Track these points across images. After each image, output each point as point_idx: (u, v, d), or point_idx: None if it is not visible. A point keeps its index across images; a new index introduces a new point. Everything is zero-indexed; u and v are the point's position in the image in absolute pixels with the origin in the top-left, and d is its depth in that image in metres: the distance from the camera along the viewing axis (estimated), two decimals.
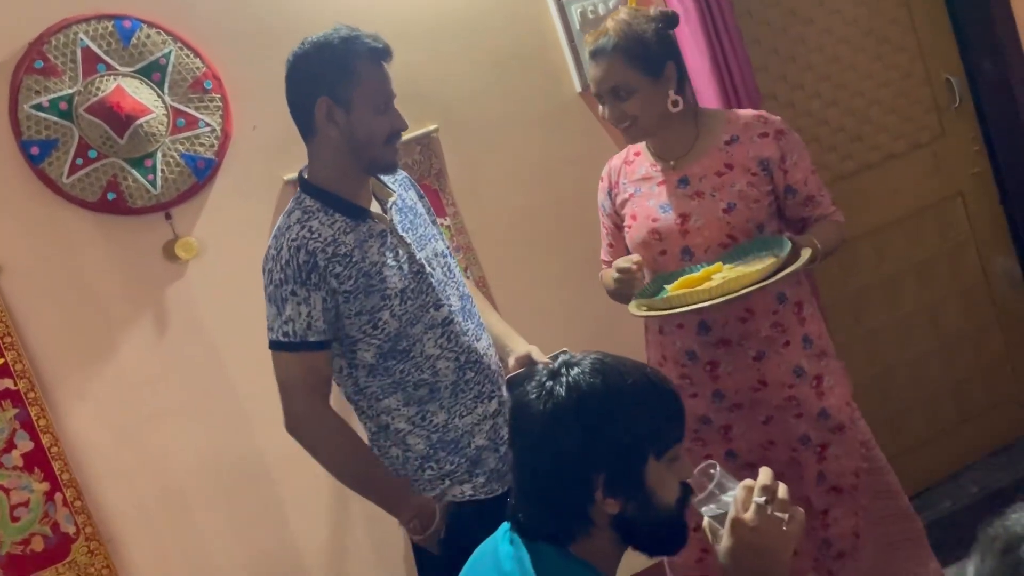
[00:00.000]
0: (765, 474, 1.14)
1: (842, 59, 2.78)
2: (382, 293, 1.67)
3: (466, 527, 1.67)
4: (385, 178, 1.82)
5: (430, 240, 1.81)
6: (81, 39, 2.15)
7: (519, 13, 2.48)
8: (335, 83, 1.66)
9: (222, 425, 2.32)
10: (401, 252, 1.72)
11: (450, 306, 1.76)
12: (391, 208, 1.76)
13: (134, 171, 2.20)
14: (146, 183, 2.21)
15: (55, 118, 2.14)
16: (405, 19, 2.40)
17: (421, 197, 1.92)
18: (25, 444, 2.15)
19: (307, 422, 1.70)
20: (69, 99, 2.15)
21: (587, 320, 2.46)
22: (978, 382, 2.94)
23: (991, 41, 2.81)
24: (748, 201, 1.86)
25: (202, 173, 2.26)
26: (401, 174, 1.89)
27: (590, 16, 2.45)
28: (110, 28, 2.17)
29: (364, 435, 1.83)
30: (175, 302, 2.27)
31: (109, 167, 2.18)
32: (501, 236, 2.48)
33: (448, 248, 1.88)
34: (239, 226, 2.30)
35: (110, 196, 2.19)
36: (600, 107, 1.92)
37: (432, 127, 2.42)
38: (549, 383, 1.13)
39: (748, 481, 1.13)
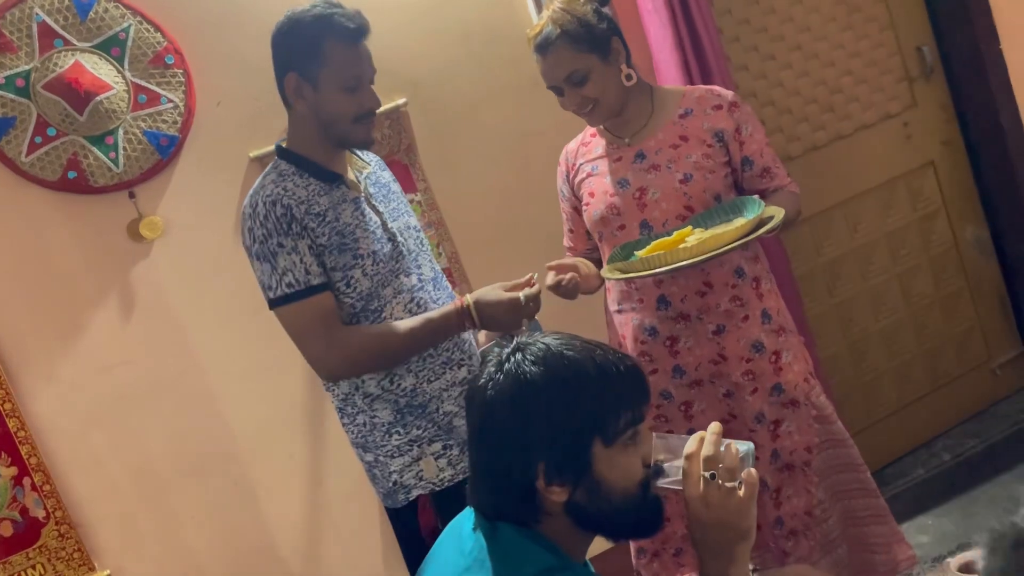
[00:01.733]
0: (709, 441, 1.11)
1: (813, 29, 2.76)
2: (354, 252, 1.70)
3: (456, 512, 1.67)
4: (360, 153, 1.85)
5: (402, 215, 1.85)
6: (37, 14, 2.09)
7: None
8: (303, 60, 1.69)
9: (191, 406, 2.29)
10: (374, 218, 1.76)
11: (420, 275, 1.80)
12: (365, 179, 1.80)
13: (95, 149, 2.15)
14: (108, 161, 2.17)
15: (11, 95, 2.09)
16: None
17: (393, 181, 1.94)
18: None
19: (336, 354, 1.68)
20: (26, 76, 2.09)
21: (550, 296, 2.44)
22: (950, 350, 2.97)
23: (962, 10, 2.80)
24: (704, 172, 1.86)
25: (165, 150, 2.22)
26: (374, 158, 1.91)
27: None
28: (67, 2, 2.11)
29: (333, 402, 1.83)
30: (141, 282, 2.24)
31: (69, 145, 2.14)
32: (472, 211, 2.46)
33: (419, 223, 1.91)
34: (205, 204, 2.27)
35: (71, 175, 2.15)
36: (559, 99, 1.91)
37: (401, 101, 2.39)
38: (494, 369, 1.12)
39: (692, 444, 1.11)
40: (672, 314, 1.91)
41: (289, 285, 1.66)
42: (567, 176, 2.03)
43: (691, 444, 1.11)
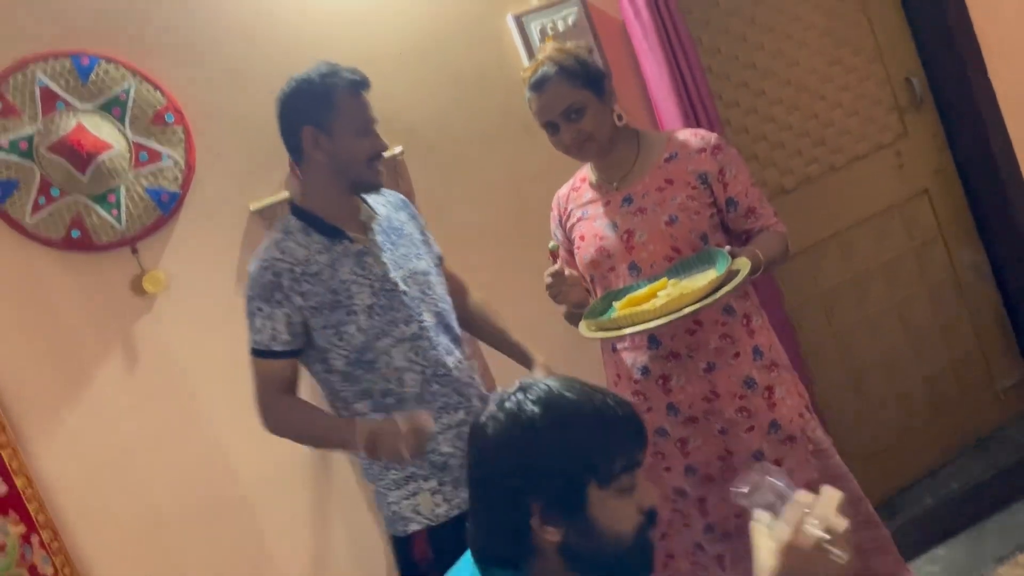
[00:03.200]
0: (833, 504, 1.07)
1: (802, 63, 2.81)
2: (348, 308, 1.81)
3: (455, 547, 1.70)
4: (378, 200, 1.97)
5: (412, 259, 1.93)
6: (39, 78, 2.14)
7: (479, 33, 2.50)
8: (318, 113, 1.84)
9: (197, 456, 2.31)
10: (376, 270, 1.85)
11: (421, 322, 1.87)
12: (373, 229, 1.90)
13: (98, 207, 2.19)
14: (111, 219, 2.21)
15: (16, 158, 2.14)
16: (368, 45, 2.41)
17: (413, 217, 2.03)
18: None
19: (265, 413, 1.89)
20: (29, 139, 2.14)
21: (554, 335, 2.44)
22: (950, 376, 2.97)
23: (948, 39, 2.85)
24: (689, 213, 1.89)
25: (167, 206, 2.26)
26: (397, 196, 2.04)
27: (549, 32, 2.47)
28: (68, 66, 2.16)
29: None
30: (145, 336, 2.26)
31: (72, 204, 2.18)
32: (469, 253, 2.47)
33: (433, 266, 1.99)
34: (207, 257, 2.30)
35: (75, 233, 2.19)
36: (552, 138, 1.95)
37: (397, 150, 2.43)
38: (495, 407, 1.14)
39: (802, 500, 1.08)
40: (663, 353, 1.93)
41: (256, 343, 1.83)
42: (559, 220, 2.07)
43: (807, 497, 1.09)
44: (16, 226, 2.15)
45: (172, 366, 2.29)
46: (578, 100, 1.88)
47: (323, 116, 1.82)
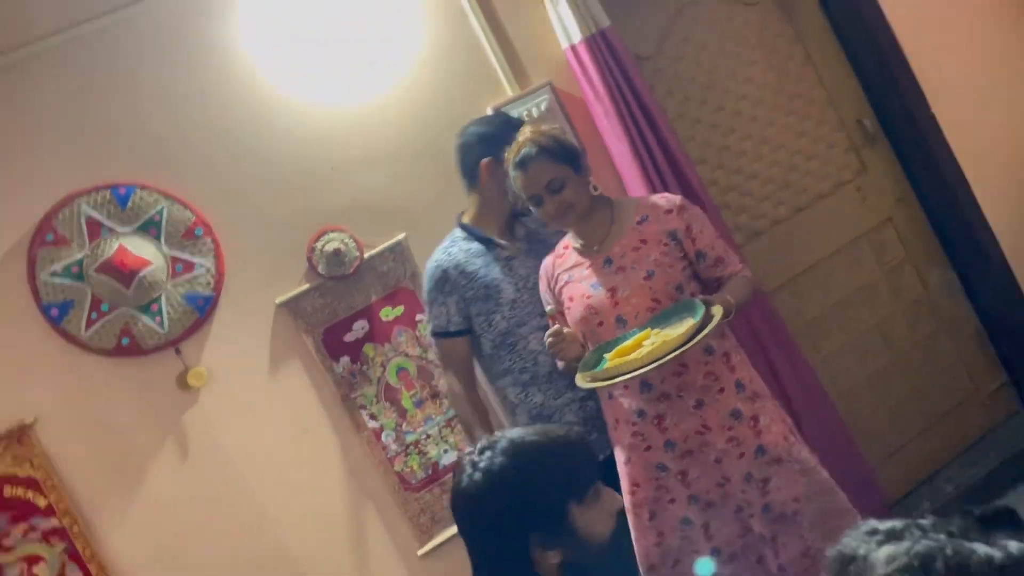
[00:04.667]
0: None
1: (760, 118, 3.08)
2: (496, 300, 2.35)
3: None
4: (525, 216, 2.45)
5: None
6: (84, 210, 2.45)
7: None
8: (497, 149, 2.31)
9: (247, 532, 2.55)
10: (520, 272, 2.37)
11: None
12: (522, 239, 2.43)
13: (143, 316, 2.48)
14: (155, 325, 2.49)
15: (69, 281, 2.43)
16: (368, 148, 2.70)
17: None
18: (75, 574, 2.38)
19: (446, 387, 2.51)
20: (79, 263, 2.44)
21: None
22: (937, 388, 3.17)
23: (891, 81, 3.12)
24: (664, 268, 2.14)
25: (203, 309, 2.54)
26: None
27: (526, 119, 2.76)
28: (108, 196, 2.47)
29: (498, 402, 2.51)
30: (193, 426, 2.53)
31: (121, 316, 2.46)
32: None
33: None
34: (242, 350, 2.58)
35: (124, 341, 2.47)
36: (535, 209, 2.21)
37: (401, 236, 2.71)
38: (470, 471, 1.35)
39: None
40: (655, 395, 2.15)
41: (435, 327, 2.41)
42: (549, 285, 2.30)
43: None
44: (74, 340, 2.44)
45: (219, 451, 2.55)
46: (559, 174, 2.15)
47: (500, 151, 2.26)
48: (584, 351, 2.21)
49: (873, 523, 0.93)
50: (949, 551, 0.85)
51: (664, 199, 2.24)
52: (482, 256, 2.38)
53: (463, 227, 2.44)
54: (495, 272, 2.36)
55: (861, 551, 0.90)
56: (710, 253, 2.19)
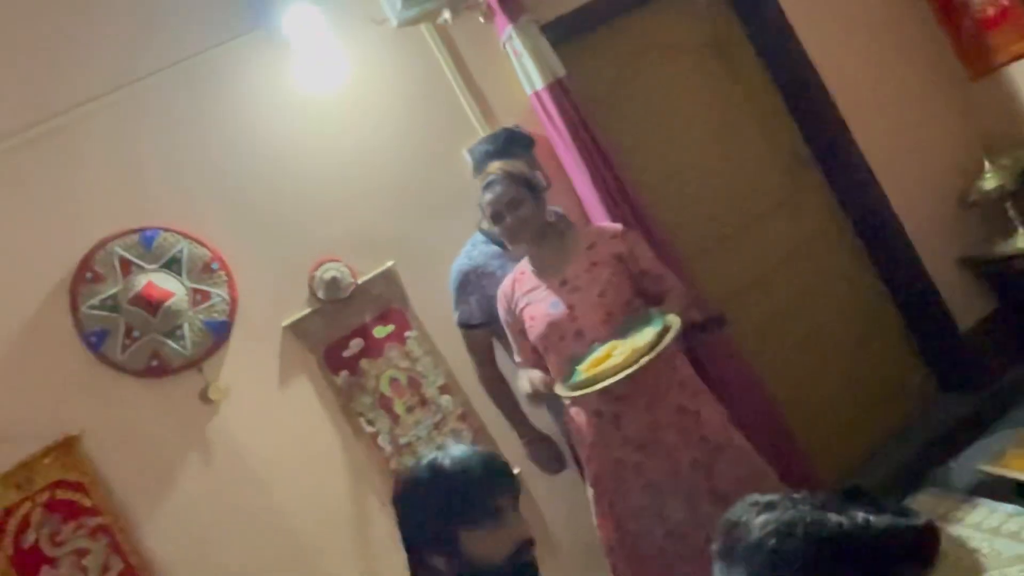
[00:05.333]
0: None
1: (706, 149, 3.47)
2: None
3: None
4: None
5: None
6: (117, 251, 2.84)
7: (442, 163, 3.17)
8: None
9: (266, 527, 2.91)
10: None
11: None
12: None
13: (169, 341, 2.87)
14: (179, 348, 2.88)
15: (106, 312, 2.82)
16: (359, 184, 3.09)
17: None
18: (117, 565, 2.76)
19: (479, 371, 2.91)
20: (114, 296, 2.83)
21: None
22: (869, 378, 3.55)
23: (817, 114, 3.53)
24: (614, 286, 2.45)
25: (220, 332, 2.93)
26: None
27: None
28: (136, 239, 2.86)
29: None
30: (215, 435, 2.90)
31: (150, 341, 2.85)
32: (456, 337, 3.10)
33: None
34: (255, 367, 2.96)
35: (153, 363, 2.86)
36: (497, 228, 2.53)
37: (390, 263, 3.10)
38: (401, 476, 1.65)
39: None
40: (611, 397, 2.38)
41: (459, 320, 2.82)
42: (509, 308, 2.60)
43: None
44: (111, 363, 2.82)
45: (238, 456, 2.92)
46: (518, 195, 2.46)
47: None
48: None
49: (755, 496, 1.14)
50: (809, 519, 1.05)
51: (609, 227, 2.60)
52: (499, 257, 2.71)
53: (483, 232, 2.80)
54: (510, 270, 2.63)
55: (744, 518, 1.10)
56: (651, 271, 2.51)
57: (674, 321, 2.30)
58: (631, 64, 3.42)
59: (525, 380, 2.54)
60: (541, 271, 2.57)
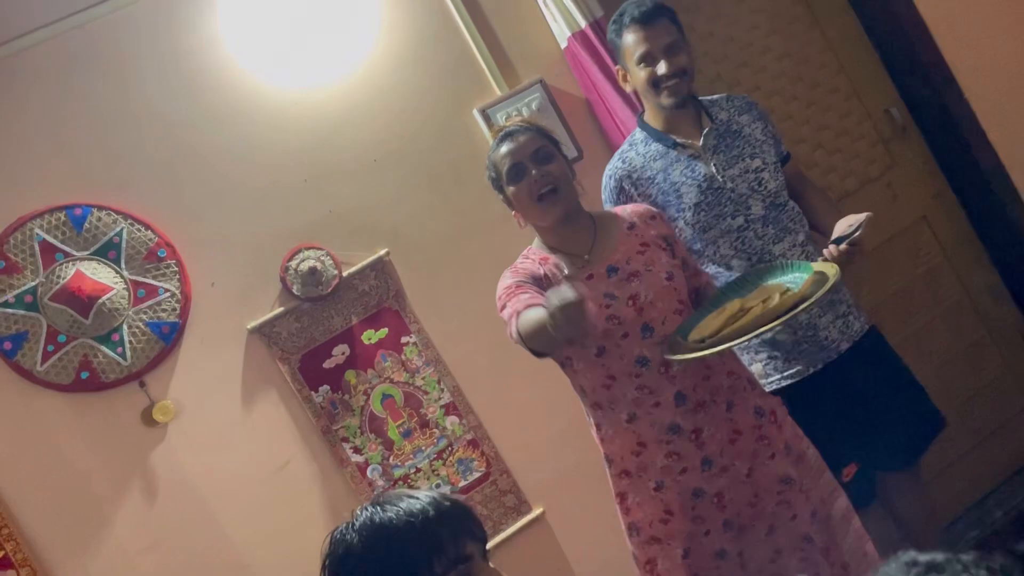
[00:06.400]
0: None
1: (775, 111, 2.82)
2: (677, 206, 2.17)
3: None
4: (721, 106, 2.26)
5: (744, 159, 2.19)
6: (37, 233, 2.28)
7: (448, 131, 2.58)
8: (614, 55, 2.30)
9: None
10: (703, 172, 2.16)
11: (748, 215, 2.16)
12: (708, 135, 2.18)
13: (103, 347, 2.30)
14: (116, 356, 2.30)
15: (22, 312, 2.26)
16: (346, 157, 2.51)
17: (757, 119, 2.27)
18: None
19: None
20: (33, 291, 2.26)
21: (562, 409, 2.45)
22: (983, 402, 2.88)
23: (919, 67, 2.85)
24: (676, 268, 1.98)
25: (168, 337, 2.35)
26: (744, 100, 2.31)
27: (516, 118, 2.54)
28: (62, 218, 2.29)
29: None
30: (160, 466, 2.33)
31: (79, 348, 2.28)
32: (466, 342, 2.53)
33: (771, 162, 2.22)
34: (211, 380, 2.38)
35: (83, 375, 2.29)
36: (511, 188, 1.95)
37: (383, 252, 2.50)
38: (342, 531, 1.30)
39: None
40: (691, 406, 1.92)
41: None
42: (542, 275, 1.97)
43: None
44: (27, 375, 2.26)
45: (191, 492, 2.35)
46: (547, 147, 1.96)
47: (616, 56, 2.25)
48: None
49: (913, 554, 0.91)
50: None
51: (641, 207, 2.07)
52: (661, 158, 2.19)
53: (642, 124, 2.25)
54: (676, 175, 2.18)
55: None
56: (689, 262, 2.06)
57: (832, 269, 1.84)
58: (683, 2, 2.77)
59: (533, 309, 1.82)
60: (573, 260, 1.99)
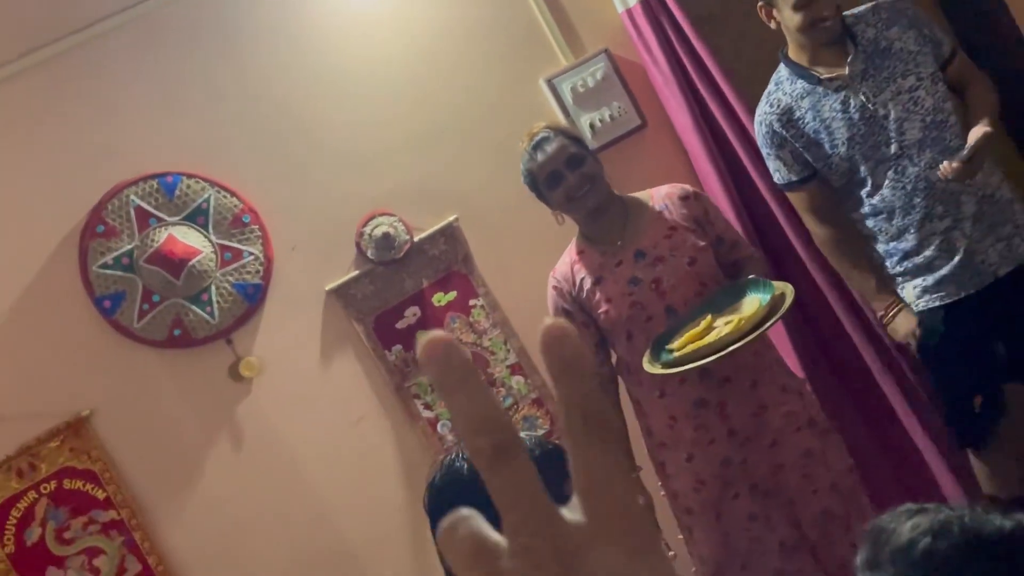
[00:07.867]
0: None
1: None
2: (830, 143, 2.12)
3: (935, 330, 2.12)
4: (868, 23, 2.12)
5: (897, 78, 2.09)
6: (132, 200, 2.44)
7: (515, 101, 2.66)
8: None
9: (306, 526, 2.50)
10: (854, 103, 2.08)
11: (902, 141, 2.07)
12: (855, 62, 2.09)
13: (194, 307, 2.45)
14: (205, 315, 2.46)
15: (120, 273, 2.42)
16: (415, 127, 2.61)
17: (909, 27, 2.12)
18: (135, 567, 2.39)
19: (815, 235, 2.27)
20: (130, 254, 2.43)
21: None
22: None
23: (987, 24, 2.82)
24: (702, 252, 2.06)
25: (253, 297, 2.50)
26: (892, 9, 2.14)
27: (580, 91, 2.61)
28: (155, 185, 2.45)
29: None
30: (246, 418, 2.49)
31: (172, 307, 2.44)
32: (531, 305, 2.61)
33: (928, 73, 2.09)
34: (293, 338, 2.53)
35: (176, 332, 2.45)
36: (551, 194, 2.07)
37: (452, 218, 2.60)
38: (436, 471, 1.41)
39: None
40: (716, 381, 2.04)
41: (778, 180, 2.24)
42: (570, 295, 2.13)
43: None
44: (126, 332, 2.43)
45: (273, 443, 2.51)
46: (578, 151, 2.08)
47: None
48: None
49: (907, 505, 1.03)
50: (967, 519, 0.97)
51: (676, 188, 2.17)
52: (808, 95, 2.12)
53: (785, 60, 2.17)
54: (825, 111, 2.10)
55: (892, 524, 1.00)
56: (727, 237, 2.16)
57: (788, 288, 1.94)
58: None
59: None
60: (605, 247, 2.12)
